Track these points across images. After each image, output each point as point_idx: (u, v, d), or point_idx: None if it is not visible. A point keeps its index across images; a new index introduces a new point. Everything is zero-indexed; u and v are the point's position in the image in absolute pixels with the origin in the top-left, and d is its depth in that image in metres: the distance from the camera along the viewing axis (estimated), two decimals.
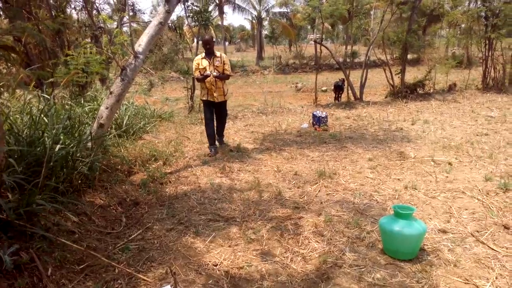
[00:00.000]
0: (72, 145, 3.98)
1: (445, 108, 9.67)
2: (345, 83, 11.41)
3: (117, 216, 3.84)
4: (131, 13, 16.33)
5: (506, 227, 3.51)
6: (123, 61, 5.32)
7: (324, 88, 16.38)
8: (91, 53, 5.19)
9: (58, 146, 3.76)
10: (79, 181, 3.94)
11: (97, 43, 8.83)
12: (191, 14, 11.10)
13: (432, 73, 11.57)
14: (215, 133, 6.28)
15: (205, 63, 5.86)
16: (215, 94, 5.93)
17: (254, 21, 38.35)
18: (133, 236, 3.48)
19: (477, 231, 3.47)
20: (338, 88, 11.87)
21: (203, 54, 5.95)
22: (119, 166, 4.83)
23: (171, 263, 3.03)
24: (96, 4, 10.64)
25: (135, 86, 13.49)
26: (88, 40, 10.08)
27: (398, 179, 4.84)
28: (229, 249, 3.30)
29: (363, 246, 3.29)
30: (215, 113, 6.20)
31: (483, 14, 11.31)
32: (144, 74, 18.94)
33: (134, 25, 21.09)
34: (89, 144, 4.30)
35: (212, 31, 37.23)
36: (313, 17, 11.53)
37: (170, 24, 18.42)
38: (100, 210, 3.82)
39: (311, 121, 8.22)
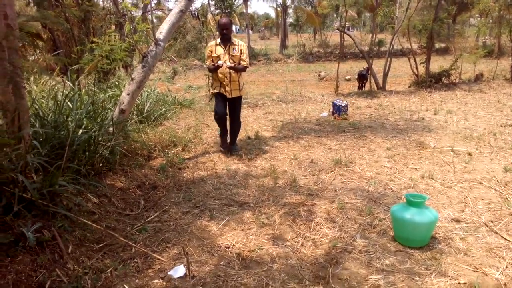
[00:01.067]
0: (94, 129, 4.13)
1: (470, 99, 9.43)
2: (369, 72, 11.28)
3: (136, 199, 3.99)
4: (155, 1, 16.51)
5: None
6: (145, 49, 5.43)
7: (347, 77, 16.20)
8: (115, 40, 5.30)
9: (81, 130, 3.92)
10: (100, 164, 4.10)
11: (121, 30, 9.02)
12: (214, 2, 11.16)
13: (459, 63, 11.26)
14: (228, 133, 5.53)
15: (219, 50, 5.06)
16: (227, 88, 5.13)
17: (278, 8, 38.04)
18: (150, 218, 3.61)
19: (491, 221, 3.44)
20: (361, 77, 11.75)
21: (218, 40, 5.13)
22: (139, 151, 4.98)
23: (185, 244, 3.15)
24: None
25: (159, 73, 13.69)
26: (113, 27, 10.29)
27: (416, 168, 4.81)
28: (242, 232, 3.39)
29: (374, 233, 3.32)
30: (229, 111, 5.38)
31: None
32: (168, 62, 19.18)
33: (159, 12, 21.31)
34: (111, 129, 4.44)
35: (236, 19, 37.21)
36: (337, 5, 11.35)
37: (193, 12, 18.54)
38: (120, 192, 3.97)
39: (331, 110, 8.19)
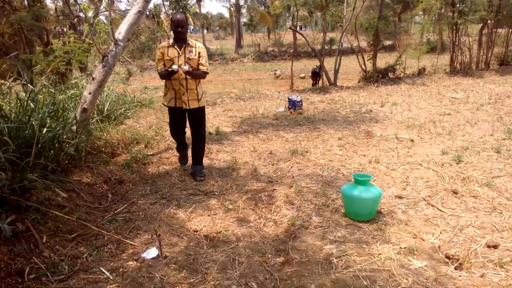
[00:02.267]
0: (58, 128, 4.22)
1: (413, 91, 10.18)
2: (322, 69, 11.81)
3: (104, 193, 4.13)
4: (108, 1, 16.29)
5: (454, 192, 3.96)
6: (103, 49, 5.53)
7: (302, 75, 16.79)
8: (74, 42, 5.36)
9: (45, 129, 4.00)
10: (66, 162, 4.20)
11: (75, 31, 8.96)
12: (169, 2, 11.27)
13: (403, 58, 12.05)
14: (186, 147, 4.88)
15: (173, 53, 4.19)
16: (184, 98, 4.28)
17: (232, 8, 38.35)
18: (119, 210, 3.78)
19: (429, 196, 3.91)
20: (315, 75, 12.31)
21: (171, 41, 4.28)
22: (103, 149, 5.09)
23: (156, 229, 3.36)
24: None
25: (114, 75, 13.56)
26: (65, 29, 10.16)
27: (364, 155, 5.26)
28: (209, 217, 3.65)
29: (328, 211, 3.69)
30: (190, 127, 4.58)
31: (450, 0, 11.79)
32: (122, 63, 18.94)
33: (111, 14, 20.95)
34: (74, 127, 4.54)
35: (190, 19, 37.10)
36: (288, 5, 11.82)
37: (147, 13, 18.44)
38: (87, 187, 4.10)
39: (287, 106, 8.58)
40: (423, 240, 3.14)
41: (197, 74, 4.27)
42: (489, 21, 12.44)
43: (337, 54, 11.79)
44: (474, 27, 14.08)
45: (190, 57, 4.22)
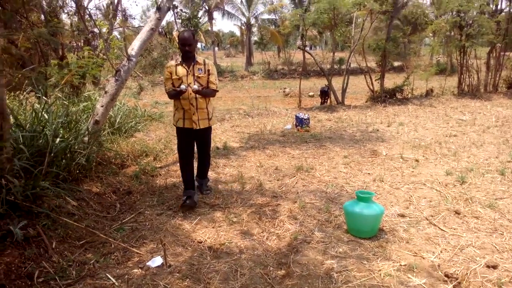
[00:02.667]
0: (70, 138, 4.37)
1: (420, 112, 10.24)
2: (329, 89, 11.96)
3: (112, 203, 4.24)
4: (122, 18, 16.73)
5: (457, 212, 3.99)
6: (116, 64, 5.72)
7: (311, 94, 16.95)
8: (89, 56, 5.56)
9: (58, 139, 4.15)
10: (77, 171, 4.33)
11: (90, 46, 9.22)
12: (181, 20, 11.55)
13: (411, 79, 12.15)
14: (193, 176, 4.46)
15: (181, 71, 4.07)
16: (194, 118, 4.14)
17: (243, 27, 38.93)
18: (126, 219, 3.88)
19: (431, 216, 3.95)
20: (323, 93, 12.46)
21: (179, 59, 4.16)
22: (113, 160, 5.22)
23: (161, 239, 3.44)
24: (88, 9, 11.02)
25: (126, 89, 13.84)
26: (80, 44, 10.45)
27: (369, 173, 5.32)
28: (213, 229, 3.73)
29: (331, 227, 3.75)
30: (197, 145, 4.49)
31: (458, 24, 11.94)
32: (134, 78, 19.30)
33: (125, 30, 21.45)
34: (86, 138, 4.69)
35: (202, 37, 37.73)
36: (297, 24, 12.06)
37: (160, 30, 18.86)
38: (97, 197, 4.21)
39: (294, 123, 8.69)
40: (423, 258, 3.18)
41: (207, 93, 4.15)
42: (497, 45, 12.53)
43: (345, 73, 11.93)
44: (482, 50, 14.19)
45: (199, 75, 4.09)
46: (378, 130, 8.07)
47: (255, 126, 8.86)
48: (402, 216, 3.97)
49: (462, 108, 10.59)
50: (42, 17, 8.76)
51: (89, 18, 10.89)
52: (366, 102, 12.15)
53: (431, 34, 20.96)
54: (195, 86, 4.00)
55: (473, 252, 3.25)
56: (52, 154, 3.95)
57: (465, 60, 12.30)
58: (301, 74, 13.86)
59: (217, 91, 4.27)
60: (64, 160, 4.17)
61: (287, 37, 34.26)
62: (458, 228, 3.67)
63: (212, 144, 6.82)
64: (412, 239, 3.49)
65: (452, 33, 13.13)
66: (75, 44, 10.34)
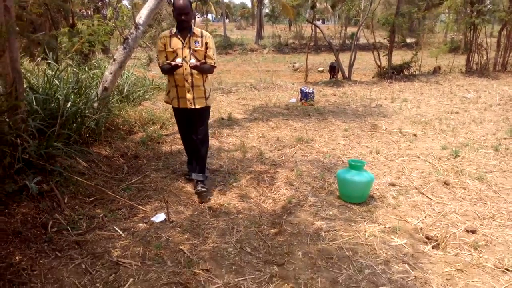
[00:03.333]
0: (80, 103, 4.60)
1: (426, 89, 10.29)
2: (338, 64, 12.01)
3: (120, 165, 4.50)
4: None
5: (446, 183, 4.19)
6: (125, 32, 5.88)
7: (320, 69, 16.92)
8: (99, 24, 5.72)
9: (69, 104, 4.38)
10: (87, 135, 4.58)
11: (99, 14, 9.36)
12: None
13: (419, 56, 12.11)
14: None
15: (176, 43, 3.64)
16: (189, 96, 3.72)
17: None
18: (133, 181, 4.14)
19: (421, 185, 4.16)
20: (333, 69, 12.52)
21: (174, 30, 3.69)
22: (121, 126, 5.46)
23: (164, 197, 3.70)
24: None
25: (134, 60, 13.97)
26: (90, 12, 10.58)
27: (366, 146, 5.51)
28: (213, 192, 3.98)
29: (324, 193, 3.98)
30: (193, 125, 3.94)
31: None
32: (143, 49, 19.36)
33: None
34: (95, 104, 4.91)
35: (212, 7, 37.34)
36: None
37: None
38: (105, 159, 4.47)
39: (299, 97, 8.83)
40: (407, 222, 3.40)
41: (204, 69, 3.68)
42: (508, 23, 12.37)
43: (352, 48, 11.93)
44: (495, 28, 14.01)
45: (195, 48, 3.64)
46: (381, 106, 8.19)
47: (261, 99, 9.02)
48: (393, 185, 4.18)
49: (468, 86, 10.60)
50: None
51: None
52: (373, 78, 12.19)
53: (446, 10, 20.61)
54: (193, 60, 3.60)
55: (456, 218, 3.46)
56: (64, 118, 4.18)
57: (475, 38, 12.19)
58: (308, 48, 13.80)
59: (215, 67, 3.80)
60: (75, 124, 4.41)
61: (299, 10, 33.81)
62: (444, 197, 3.88)
63: (217, 115, 7.07)
64: (399, 205, 3.71)
65: (464, 9, 12.96)
66: (85, 12, 10.47)
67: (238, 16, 63.09)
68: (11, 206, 3.07)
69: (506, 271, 2.71)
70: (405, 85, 10.90)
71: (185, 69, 3.64)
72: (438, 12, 21.73)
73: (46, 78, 4.58)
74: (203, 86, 3.77)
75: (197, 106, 3.78)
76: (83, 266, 2.67)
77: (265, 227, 3.31)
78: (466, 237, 3.15)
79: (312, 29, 13.00)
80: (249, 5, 50.88)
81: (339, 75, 12.00)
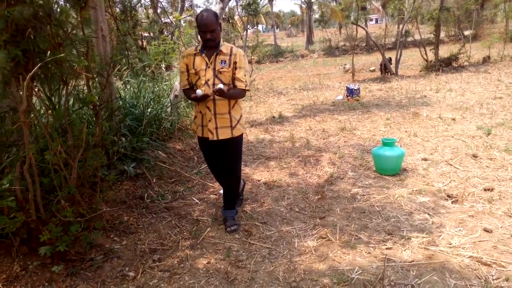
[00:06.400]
0: (158, 109, 5.66)
1: (473, 79, 10.44)
2: (392, 61, 12.44)
3: (191, 157, 5.47)
4: (188, 7, 18.23)
5: (474, 156, 4.69)
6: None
7: (372, 68, 17.24)
8: (168, 43, 6.83)
9: (149, 109, 5.44)
10: (164, 133, 5.61)
11: (167, 35, 10.69)
12: (242, 6, 12.63)
13: (467, 47, 12.20)
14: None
15: (200, 64, 3.08)
16: (210, 126, 3.14)
17: (303, 5, 39.16)
18: (203, 167, 5.07)
19: (451, 159, 4.69)
20: (384, 66, 12.94)
21: (199, 47, 3.13)
22: (189, 126, 6.47)
23: None
24: (160, 2, 12.51)
25: None
26: (155, 33, 11.97)
27: (406, 131, 6.06)
28: (267, 172, 4.80)
29: (362, 169, 4.65)
30: (220, 160, 3.39)
31: None
32: None
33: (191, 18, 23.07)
34: (169, 109, 5.96)
35: (262, 18, 38.58)
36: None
37: (223, 15, 20.19)
38: (179, 152, 5.47)
39: (345, 94, 9.45)
40: (433, 186, 3.99)
41: (232, 95, 3.09)
42: None
43: (397, 45, 12.31)
44: None
45: (221, 70, 3.05)
46: (425, 96, 8.59)
47: (309, 98, 9.75)
48: (425, 160, 4.75)
49: None
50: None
51: (162, 10, 12.39)
52: (420, 71, 12.44)
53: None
54: (221, 85, 2.95)
55: (477, 181, 4.00)
56: (146, 120, 5.25)
57: None
58: (354, 49, 14.32)
59: (247, 90, 3.20)
60: (154, 125, 5.46)
61: (349, 13, 34.08)
62: (470, 166, 4.40)
63: (269, 114, 7.92)
64: (428, 174, 4.30)
65: None
66: (150, 36, 11.88)
67: (288, 24, 64.15)
68: (117, 183, 4.10)
69: None
70: (452, 76, 11.09)
71: (210, 94, 3.02)
72: (497, 1, 21.09)
73: (132, 90, 5.68)
74: (229, 113, 3.15)
75: (220, 138, 3.16)
76: (173, 222, 3.60)
77: (310, 194, 4.07)
78: (483, 195, 3.69)
79: (356, 31, 13.50)
80: (299, 12, 51.72)
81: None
